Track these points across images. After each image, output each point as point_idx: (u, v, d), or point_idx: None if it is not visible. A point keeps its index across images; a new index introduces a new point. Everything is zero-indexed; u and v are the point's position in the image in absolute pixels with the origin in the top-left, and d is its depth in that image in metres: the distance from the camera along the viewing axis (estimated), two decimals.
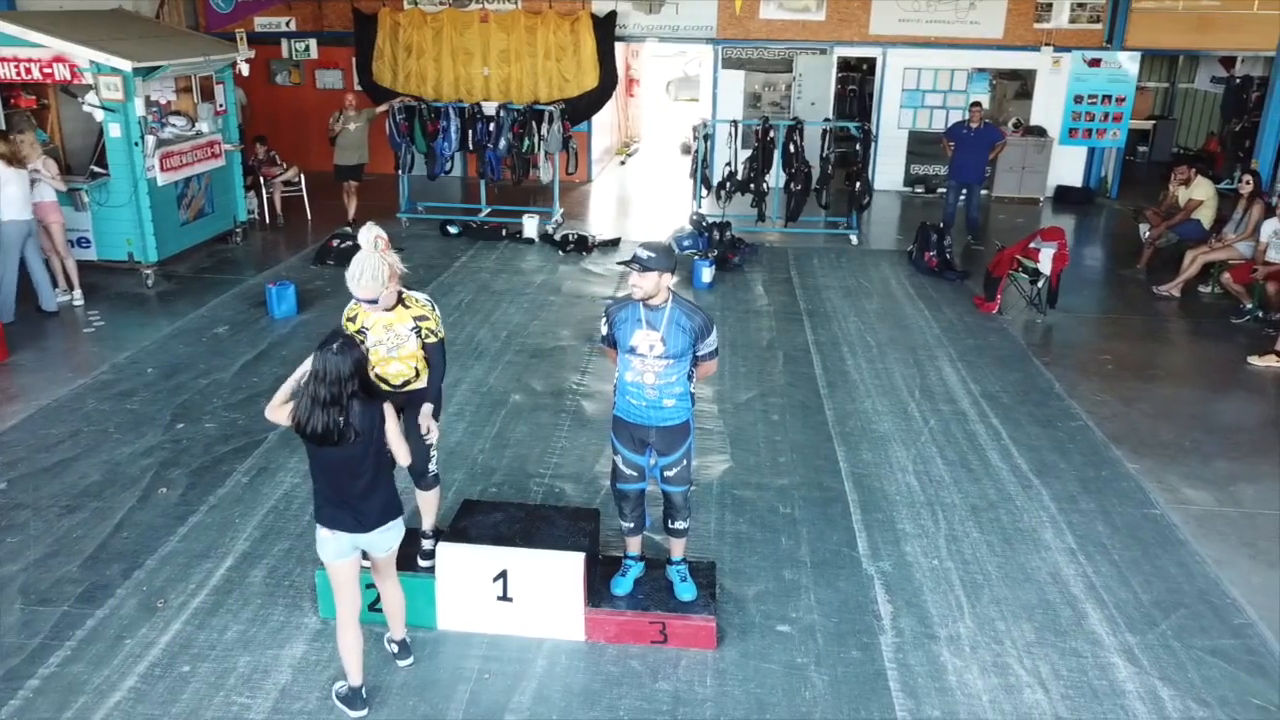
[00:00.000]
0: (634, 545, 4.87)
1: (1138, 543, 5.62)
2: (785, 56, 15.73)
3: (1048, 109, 15.29)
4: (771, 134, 12.14)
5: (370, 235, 4.33)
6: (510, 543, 4.75)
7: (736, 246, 11.31)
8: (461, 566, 4.63)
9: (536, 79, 14.68)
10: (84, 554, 5.28)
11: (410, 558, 4.81)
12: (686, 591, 4.76)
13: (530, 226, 12.18)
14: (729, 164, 12.45)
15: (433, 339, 4.58)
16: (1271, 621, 4.92)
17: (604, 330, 4.52)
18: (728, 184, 12.42)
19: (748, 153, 12.49)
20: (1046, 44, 15.08)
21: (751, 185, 12.33)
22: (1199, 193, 10.87)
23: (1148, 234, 11.24)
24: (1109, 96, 15.08)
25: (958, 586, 5.15)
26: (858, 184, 12.22)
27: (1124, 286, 10.78)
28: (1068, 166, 15.58)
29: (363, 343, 4.35)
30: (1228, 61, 19.08)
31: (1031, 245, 9.66)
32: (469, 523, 5.05)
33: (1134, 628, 4.85)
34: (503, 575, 4.61)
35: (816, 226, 12.80)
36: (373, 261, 4.27)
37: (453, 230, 12.29)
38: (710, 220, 11.44)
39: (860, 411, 7.32)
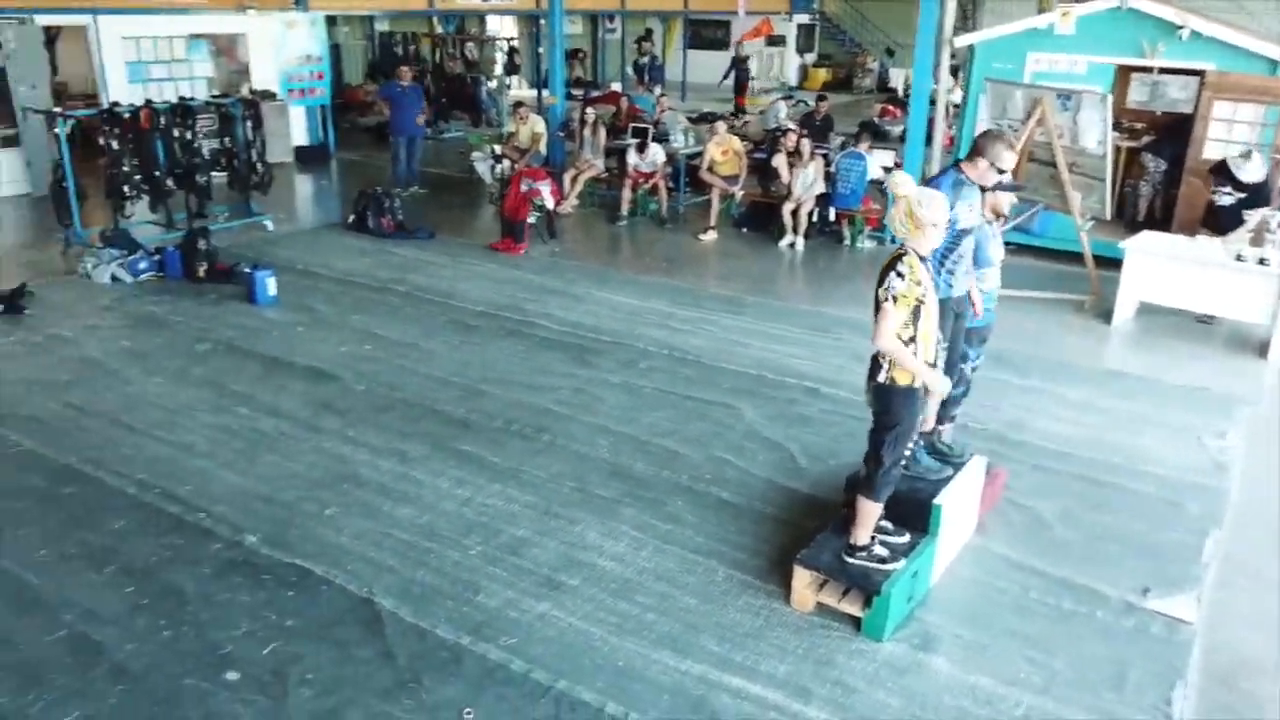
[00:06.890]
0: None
1: None
2: None
3: (267, 73, 15.30)
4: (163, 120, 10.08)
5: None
6: (932, 481, 5.03)
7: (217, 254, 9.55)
8: (950, 510, 4.88)
9: None
10: None
11: (876, 570, 4.63)
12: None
13: None
14: (120, 165, 9.89)
15: None
16: None
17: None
18: (125, 188, 9.92)
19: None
20: (250, 7, 14.97)
21: (147, 187, 10.15)
22: (539, 126, 13.22)
23: (507, 170, 13.08)
24: (310, 56, 15.88)
25: None
26: (259, 164, 11.08)
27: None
28: (295, 128, 15.96)
29: (920, 304, 4.24)
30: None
31: (524, 189, 10.83)
32: (880, 484, 4.97)
33: None
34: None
35: (219, 220, 11.13)
36: None
37: None
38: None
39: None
